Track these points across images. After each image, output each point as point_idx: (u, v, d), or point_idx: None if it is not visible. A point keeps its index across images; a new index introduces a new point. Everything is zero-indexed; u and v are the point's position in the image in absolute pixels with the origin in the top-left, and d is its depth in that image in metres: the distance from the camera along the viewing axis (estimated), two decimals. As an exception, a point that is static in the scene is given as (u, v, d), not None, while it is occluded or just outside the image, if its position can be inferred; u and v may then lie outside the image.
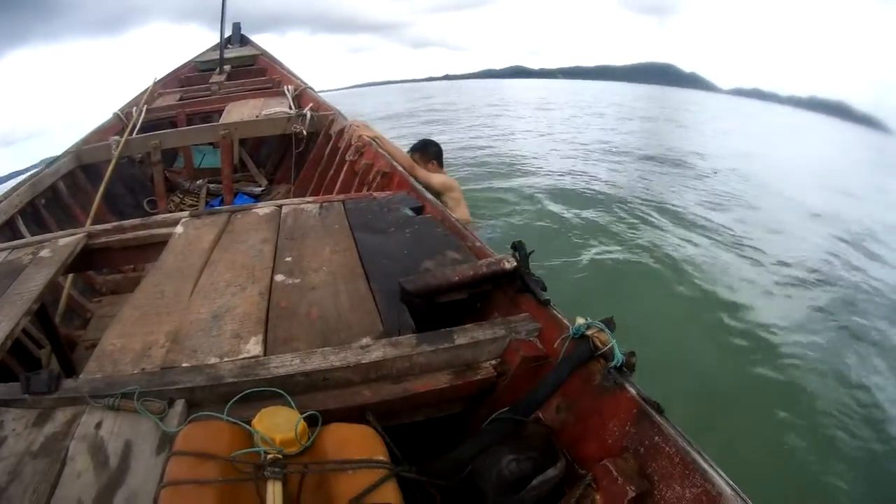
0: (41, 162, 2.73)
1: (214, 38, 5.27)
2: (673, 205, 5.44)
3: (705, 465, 0.72)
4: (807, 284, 3.84)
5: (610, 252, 4.07)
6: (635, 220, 4.87)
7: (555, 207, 5.11)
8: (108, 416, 0.93)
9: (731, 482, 0.70)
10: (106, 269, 2.76)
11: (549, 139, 10.18)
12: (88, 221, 2.54)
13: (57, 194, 2.89)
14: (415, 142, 3.07)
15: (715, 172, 7.52)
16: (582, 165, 7.51)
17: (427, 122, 12.92)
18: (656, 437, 0.79)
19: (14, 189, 2.59)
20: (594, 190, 5.93)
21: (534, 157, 7.95)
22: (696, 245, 4.40)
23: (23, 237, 2.37)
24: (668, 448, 0.77)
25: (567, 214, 4.89)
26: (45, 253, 1.65)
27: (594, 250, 4.06)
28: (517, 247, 1.16)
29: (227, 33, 5.39)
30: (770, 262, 4.13)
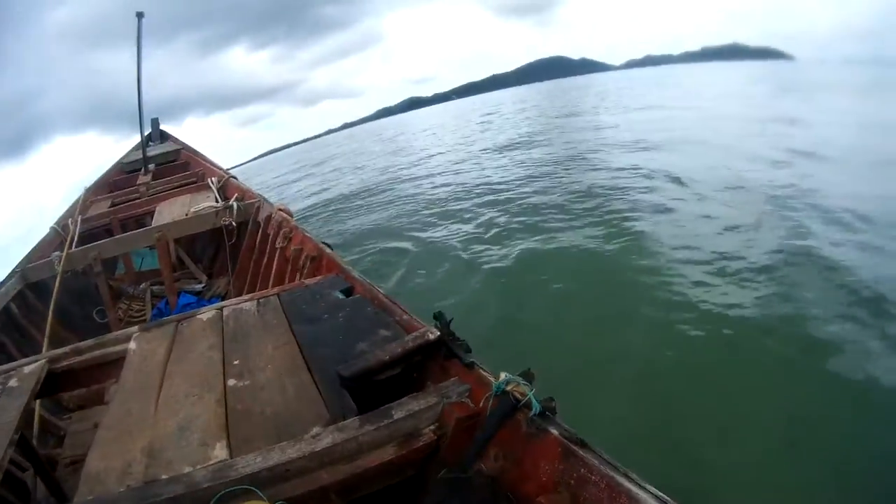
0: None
1: (112, 140, 5.44)
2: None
3: (629, 485, 0.82)
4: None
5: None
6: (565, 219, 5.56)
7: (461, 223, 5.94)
8: None
9: (663, 495, 0.77)
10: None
11: (444, 157, 11.34)
12: (45, 342, 2.54)
13: (10, 317, 2.86)
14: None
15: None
16: (478, 173, 8.63)
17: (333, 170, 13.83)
18: (582, 469, 0.89)
19: None
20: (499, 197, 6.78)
21: (429, 175, 9.09)
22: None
23: None
24: (593, 477, 0.87)
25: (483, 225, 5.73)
26: (13, 382, 1.68)
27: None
28: (438, 316, 1.24)
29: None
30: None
